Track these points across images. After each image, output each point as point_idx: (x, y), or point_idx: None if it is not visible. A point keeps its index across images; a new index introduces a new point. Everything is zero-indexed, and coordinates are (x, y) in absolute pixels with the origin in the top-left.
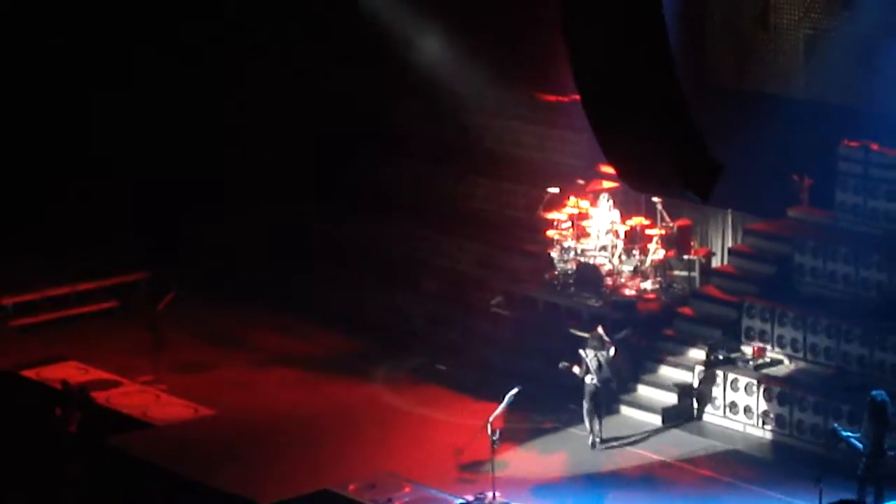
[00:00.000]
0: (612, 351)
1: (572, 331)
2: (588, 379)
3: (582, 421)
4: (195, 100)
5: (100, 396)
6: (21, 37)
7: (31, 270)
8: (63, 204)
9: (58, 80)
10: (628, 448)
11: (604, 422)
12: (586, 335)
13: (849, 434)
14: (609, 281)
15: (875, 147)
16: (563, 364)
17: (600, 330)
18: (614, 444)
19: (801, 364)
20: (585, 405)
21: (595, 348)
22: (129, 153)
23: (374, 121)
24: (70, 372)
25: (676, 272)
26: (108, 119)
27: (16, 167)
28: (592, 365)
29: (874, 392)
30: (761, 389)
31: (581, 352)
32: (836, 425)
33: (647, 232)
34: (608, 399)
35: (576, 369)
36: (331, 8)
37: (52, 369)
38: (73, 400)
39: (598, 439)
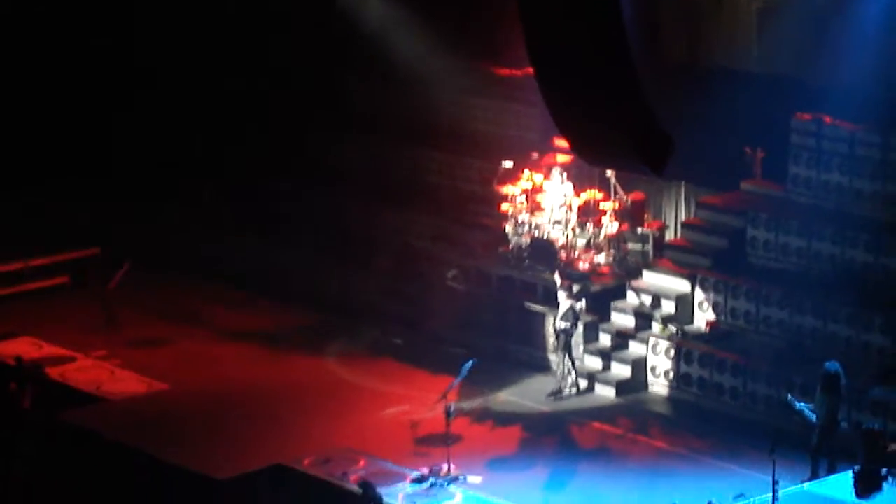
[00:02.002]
0: (580, 305)
1: (527, 304)
2: (554, 320)
3: (537, 396)
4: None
5: (54, 372)
6: None
7: None
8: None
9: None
10: (583, 421)
11: (563, 391)
12: (541, 308)
13: (802, 405)
14: (563, 254)
15: (828, 120)
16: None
17: (563, 282)
18: (572, 417)
19: (754, 336)
20: (551, 345)
21: (568, 297)
22: (86, 125)
23: (327, 96)
24: (24, 347)
25: (630, 245)
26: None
27: None
28: (561, 308)
29: (827, 364)
30: (714, 362)
31: (558, 293)
32: (789, 396)
33: (601, 205)
34: (566, 347)
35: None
36: None
37: (5, 345)
38: (26, 375)
39: (564, 385)
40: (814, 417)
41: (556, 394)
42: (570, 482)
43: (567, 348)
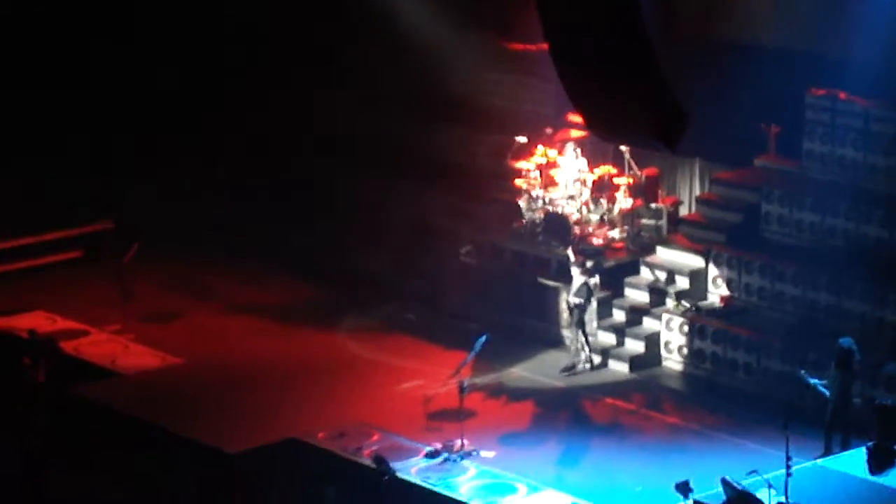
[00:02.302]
0: (594, 280)
1: (540, 279)
2: (567, 296)
3: (550, 371)
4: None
5: (67, 346)
6: None
7: None
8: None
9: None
10: (596, 396)
11: (577, 366)
12: (555, 283)
13: (816, 381)
14: (577, 230)
15: (843, 96)
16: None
17: (577, 258)
18: (586, 392)
19: (768, 312)
20: (564, 320)
21: (582, 272)
22: (96, 102)
23: (341, 70)
24: (38, 321)
25: (644, 221)
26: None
27: None
28: (575, 284)
29: (841, 339)
30: (728, 337)
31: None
32: (802, 372)
33: (615, 181)
34: (580, 323)
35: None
36: None
37: (19, 319)
38: (40, 349)
39: (578, 360)
40: (827, 393)
41: (570, 369)
42: (583, 457)
43: (580, 324)
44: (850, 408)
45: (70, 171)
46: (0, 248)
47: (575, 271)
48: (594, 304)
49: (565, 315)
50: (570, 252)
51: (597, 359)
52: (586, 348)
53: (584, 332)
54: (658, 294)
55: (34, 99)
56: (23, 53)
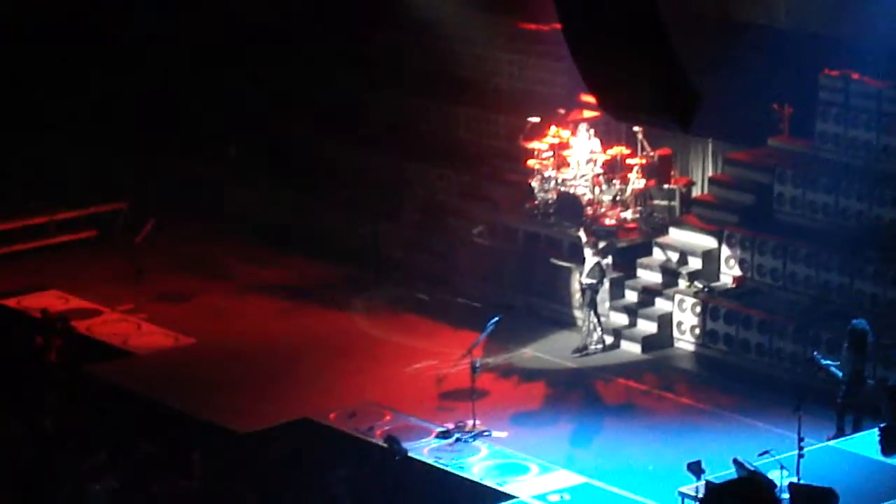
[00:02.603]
0: (606, 261)
1: (553, 260)
2: (580, 276)
3: (562, 352)
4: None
5: (80, 325)
6: None
7: (9, 200)
8: (42, 134)
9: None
10: (608, 377)
11: (589, 347)
12: (567, 264)
13: (828, 362)
14: (589, 210)
15: (856, 76)
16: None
17: (589, 238)
18: (598, 372)
19: (781, 293)
20: (576, 301)
21: (594, 253)
22: (105, 84)
23: (354, 49)
24: (50, 301)
25: (657, 201)
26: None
27: None
28: (587, 265)
29: (854, 321)
30: (740, 318)
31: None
32: (815, 353)
33: (628, 161)
34: (592, 303)
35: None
36: None
37: (32, 298)
38: (53, 329)
39: (591, 341)
40: (839, 374)
41: (582, 350)
42: (595, 438)
43: (592, 304)
44: (862, 389)
45: (83, 149)
46: (14, 228)
47: (587, 252)
48: (606, 284)
49: (577, 296)
50: (581, 233)
51: (609, 339)
52: (598, 329)
53: (595, 313)
54: (671, 275)
55: (47, 76)
56: (34, 26)
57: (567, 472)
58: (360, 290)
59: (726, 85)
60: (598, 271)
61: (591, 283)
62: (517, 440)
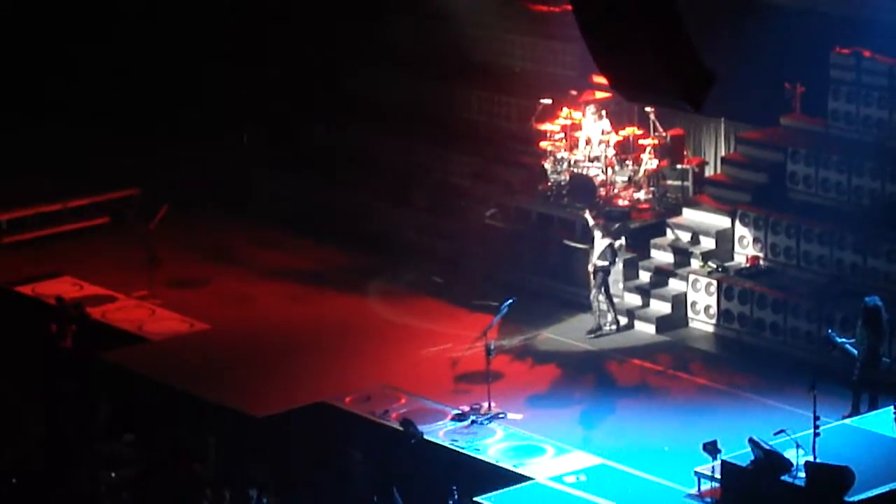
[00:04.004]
0: (619, 242)
1: (566, 241)
2: (591, 258)
3: (577, 333)
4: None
5: (95, 312)
6: None
7: (23, 187)
8: (51, 119)
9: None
10: (623, 358)
11: (603, 328)
12: (581, 245)
13: (843, 340)
14: (602, 191)
15: (867, 54)
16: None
17: (590, 218)
18: (613, 354)
19: (795, 272)
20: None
21: (604, 235)
22: (116, 70)
23: (364, 33)
24: (65, 288)
25: (670, 182)
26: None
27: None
28: (598, 247)
29: (867, 298)
30: (755, 298)
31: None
32: (830, 331)
33: (640, 142)
34: (604, 285)
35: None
36: None
37: (47, 285)
38: (68, 315)
39: (604, 322)
40: (854, 352)
41: (596, 331)
42: (610, 419)
43: (605, 286)
44: (878, 366)
45: (97, 137)
46: (27, 215)
47: (597, 234)
48: (619, 265)
49: (591, 278)
50: (589, 216)
51: (623, 320)
52: (612, 310)
53: (608, 295)
54: (684, 255)
55: (62, 64)
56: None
57: (583, 454)
58: (374, 273)
59: (738, 64)
60: (610, 253)
61: (604, 265)
62: (532, 422)
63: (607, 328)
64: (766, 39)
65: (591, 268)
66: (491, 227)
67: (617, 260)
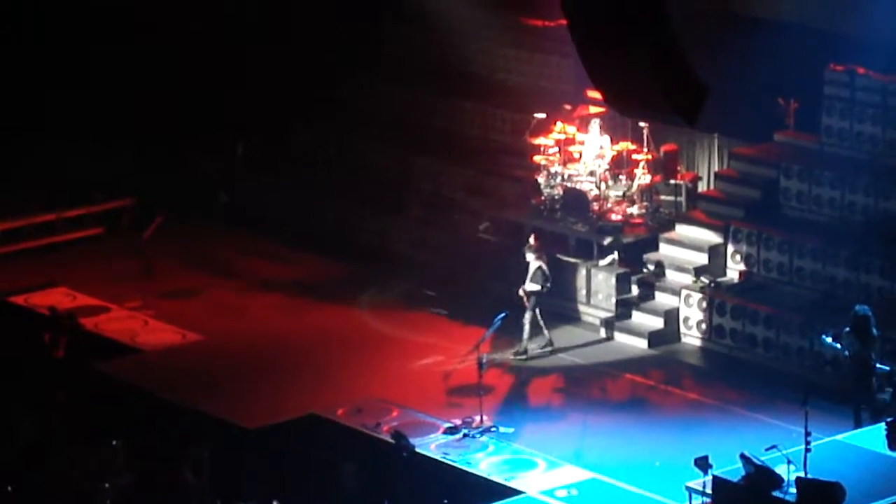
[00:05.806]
0: (612, 256)
1: (558, 256)
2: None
3: (570, 344)
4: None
5: (88, 322)
6: None
7: (16, 197)
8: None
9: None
10: (615, 372)
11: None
12: (573, 260)
13: (836, 344)
14: (595, 206)
15: (861, 71)
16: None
17: (532, 240)
18: (605, 368)
19: (787, 287)
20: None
21: (537, 258)
22: (115, 79)
23: (359, 45)
24: (58, 298)
25: (663, 197)
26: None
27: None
28: (530, 270)
29: (857, 307)
30: (747, 313)
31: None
32: (823, 335)
33: (634, 157)
34: (535, 308)
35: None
36: None
37: (39, 295)
38: (60, 326)
39: (540, 345)
40: (846, 353)
41: (522, 353)
42: (602, 433)
43: (537, 308)
44: (874, 376)
45: (88, 146)
46: (21, 225)
47: (530, 257)
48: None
49: (524, 301)
50: (531, 238)
51: (554, 344)
52: (545, 332)
53: (541, 317)
54: (677, 270)
55: (56, 75)
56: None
57: (574, 468)
58: (366, 286)
59: (732, 80)
60: (541, 276)
61: (535, 290)
62: (524, 435)
63: (539, 351)
64: (759, 55)
65: (521, 292)
66: (484, 241)
67: (548, 283)
